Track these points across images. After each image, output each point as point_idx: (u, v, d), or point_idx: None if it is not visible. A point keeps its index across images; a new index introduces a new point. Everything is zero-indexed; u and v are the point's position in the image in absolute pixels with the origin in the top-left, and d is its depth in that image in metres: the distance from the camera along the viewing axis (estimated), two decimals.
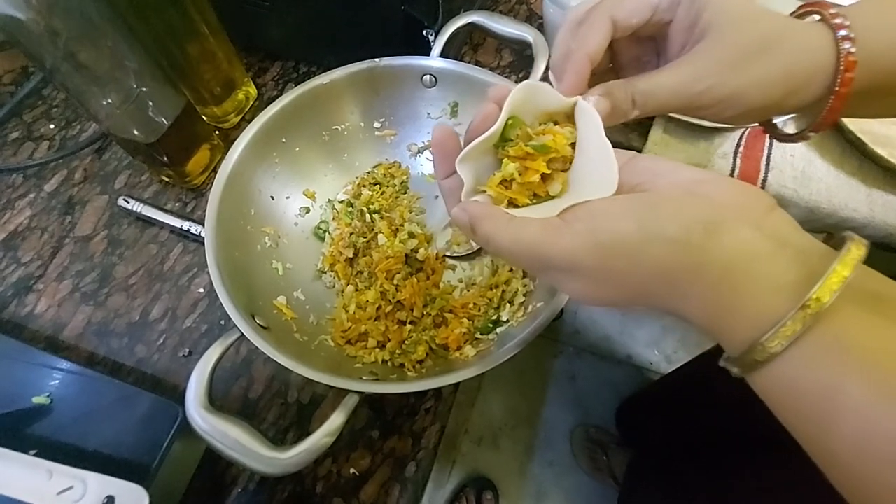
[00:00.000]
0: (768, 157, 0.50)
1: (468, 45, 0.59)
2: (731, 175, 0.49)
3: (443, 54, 0.46)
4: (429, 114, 0.48)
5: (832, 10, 0.24)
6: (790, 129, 0.29)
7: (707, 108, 0.25)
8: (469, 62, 0.57)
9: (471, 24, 0.46)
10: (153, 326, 0.44)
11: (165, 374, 0.43)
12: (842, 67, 0.23)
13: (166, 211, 0.48)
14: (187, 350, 0.43)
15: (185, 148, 0.48)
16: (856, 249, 0.19)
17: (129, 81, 0.42)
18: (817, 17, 0.25)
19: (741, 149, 0.50)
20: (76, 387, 0.36)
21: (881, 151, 0.47)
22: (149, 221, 0.48)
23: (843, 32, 0.23)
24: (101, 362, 0.43)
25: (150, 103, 0.44)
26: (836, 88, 0.24)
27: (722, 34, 0.24)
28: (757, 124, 0.31)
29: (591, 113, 0.24)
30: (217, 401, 0.41)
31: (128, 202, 0.48)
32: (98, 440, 0.34)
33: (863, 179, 0.48)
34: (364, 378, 0.35)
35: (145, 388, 0.41)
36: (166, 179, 0.50)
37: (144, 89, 0.43)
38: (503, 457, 1.10)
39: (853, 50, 0.23)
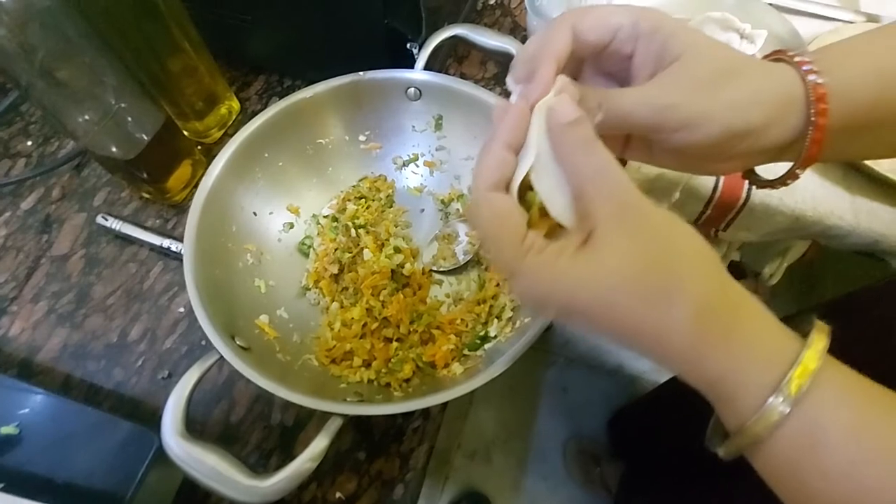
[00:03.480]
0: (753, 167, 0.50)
1: (453, 58, 0.58)
2: (716, 185, 0.49)
3: (427, 67, 0.45)
4: (413, 127, 0.48)
5: (791, 53, 0.25)
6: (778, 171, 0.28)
7: (674, 129, 0.24)
8: (454, 74, 0.57)
9: (454, 36, 0.46)
10: (132, 348, 0.43)
11: (144, 398, 0.41)
12: (812, 98, 0.24)
13: (146, 228, 0.47)
14: (167, 372, 0.42)
15: (165, 164, 0.47)
16: (819, 341, 0.21)
17: (107, 98, 0.41)
18: (782, 63, 0.25)
19: None
20: (48, 415, 0.35)
21: (865, 160, 0.47)
22: (128, 239, 0.47)
23: (807, 67, 0.24)
24: (77, 387, 0.42)
25: (129, 119, 0.43)
26: (813, 119, 0.24)
27: (690, 59, 0.24)
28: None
29: (541, 119, 0.24)
30: (198, 424, 0.40)
31: (106, 220, 0.47)
32: (70, 471, 0.33)
33: (847, 187, 0.49)
34: (348, 399, 0.34)
35: (122, 413, 0.40)
36: (147, 196, 0.49)
37: (123, 105, 0.42)
38: (496, 471, 1.08)
39: (820, 81, 0.24)
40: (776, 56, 0.26)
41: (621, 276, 0.21)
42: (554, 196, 0.24)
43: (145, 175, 0.46)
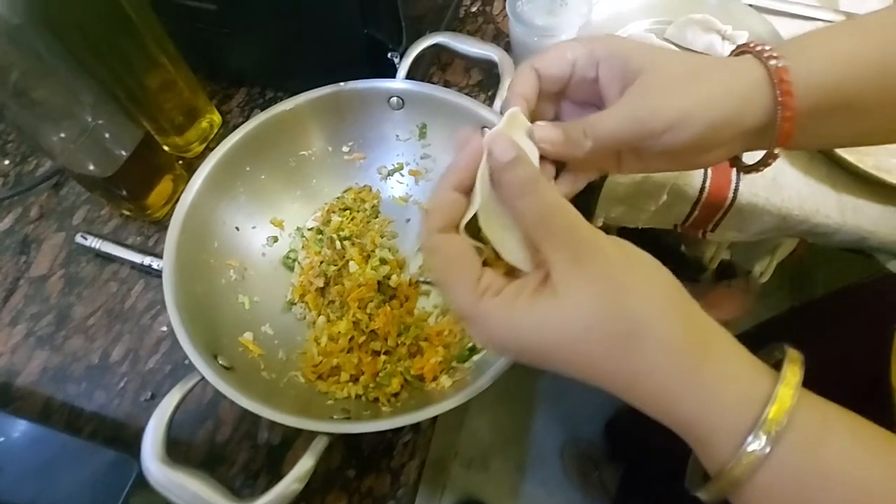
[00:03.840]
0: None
1: (436, 66, 0.58)
2: (703, 186, 0.49)
3: (410, 75, 0.45)
4: (397, 136, 0.47)
5: (753, 44, 0.26)
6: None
7: (660, 132, 0.25)
8: (438, 82, 0.57)
9: (436, 45, 0.46)
10: (113, 369, 0.42)
11: (127, 420, 0.40)
12: (776, 80, 0.24)
13: (127, 246, 0.46)
14: (150, 393, 0.41)
15: (145, 180, 0.46)
16: (792, 374, 0.20)
17: (83, 115, 0.41)
18: (746, 55, 0.26)
19: None
20: (26, 443, 0.34)
21: (849, 157, 0.47)
22: (108, 258, 0.46)
23: (768, 54, 0.25)
24: (57, 411, 0.40)
25: (107, 135, 0.42)
26: (780, 98, 0.24)
27: (655, 69, 0.25)
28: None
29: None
30: (183, 446, 0.39)
31: (85, 239, 0.46)
32: (49, 500, 0.32)
33: (832, 185, 0.49)
34: (335, 417, 0.34)
35: (104, 437, 0.39)
36: (127, 213, 0.48)
37: (100, 122, 0.41)
38: (494, 477, 1.08)
39: (781, 64, 0.24)
40: (741, 50, 0.27)
41: (582, 320, 0.21)
42: (503, 238, 0.24)
43: (124, 192, 0.45)
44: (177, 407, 0.31)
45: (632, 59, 0.26)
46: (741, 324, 1.10)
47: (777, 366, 0.21)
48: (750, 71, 0.25)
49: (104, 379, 0.42)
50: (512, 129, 0.25)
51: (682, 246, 0.89)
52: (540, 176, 0.23)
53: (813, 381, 0.24)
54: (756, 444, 0.19)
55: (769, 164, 0.28)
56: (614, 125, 0.25)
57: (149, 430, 0.30)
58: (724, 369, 0.21)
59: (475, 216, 0.24)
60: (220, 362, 0.34)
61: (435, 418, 0.37)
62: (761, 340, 0.68)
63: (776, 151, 0.27)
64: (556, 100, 0.30)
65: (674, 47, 0.54)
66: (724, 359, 0.21)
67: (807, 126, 0.25)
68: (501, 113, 0.26)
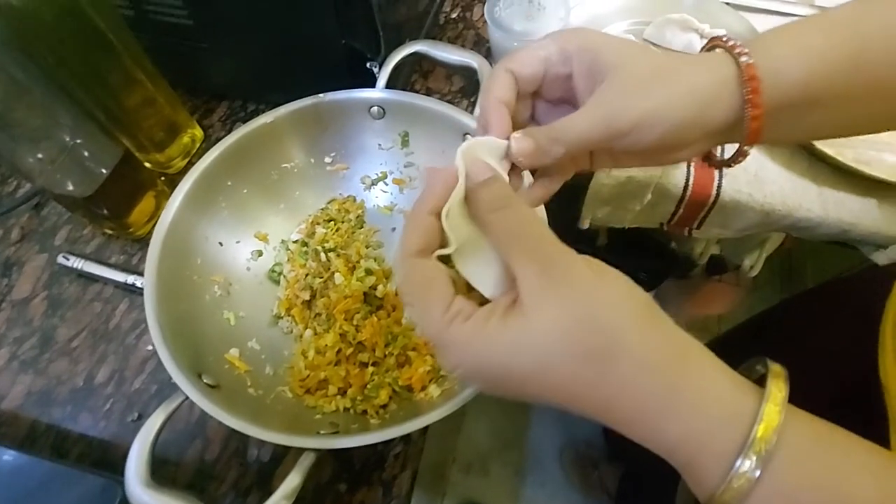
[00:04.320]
0: None
1: (418, 73, 0.58)
2: (687, 184, 0.50)
3: (391, 84, 0.45)
4: (380, 145, 0.47)
5: (726, 38, 0.26)
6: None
7: (627, 133, 0.25)
8: (420, 89, 0.57)
9: (415, 53, 0.46)
10: (99, 391, 0.41)
11: (114, 441, 0.40)
12: (745, 77, 0.24)
13: (110, 265, 0.45)
14: (136, 414, 0.40)
15: (126, 199, 0.46)
16: (777, 390, 0.19)
17: (61, 135, 0.40)
18: (719, 49, 0.26)
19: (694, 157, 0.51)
20: (8, 472, 0.33)
21: (828, 150, 0.48)
22: (92, 278, 0.46)
23: (739, 50, 0.25)
24: (42, 435, 0.40)
25: (86, 154, 0.42)
26: (749, 98, 0.24)
27: (621, 70, 0.25)
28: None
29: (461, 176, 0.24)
30: (171, 466, 0.38)
31: (68, 259, 0.45)
32: None
33: (813, 179, 0.49)
34: (322, 432, 0.33)
35: (91, 460, 0.39)
36: (109, 232, 0.48)
37: (78, 141, 0.41)
38: (494, 482, 1.07)
39: (751, 61, 0.24)
40: (712, 44, 0.27)
41: (554, 339, 0.20)
42: (472, 267, 0.24)
43: (106, 211, 0.44)
44: (160, 429, 0.31)
45: (600, 56, 0.25)
46: (734, 317, 1.11)
47: (760, 381, 0.20)
48: (719, 68, 0.25)
49: (90, 401, 0.41)
50: (478, 147, 0.25)
51: (672, 243, 0.89)
52: (513, 193, 0.23)
53: (804, 375, 0.23)
54: (746, 467, 0.18)
55: (740, 161, 0.28)
56: (582, 130, 0.25)
57: (132, 454, 0.29)
58: (705, 387, 0.20)
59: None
60: (205, 381, 0.34)
61: (426, 428, 0.37)
62: (754, 334, 0.68)
63: (746, 149, 0.27)
64: (530, 99, 0.29)
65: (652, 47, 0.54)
66: (703, 376, 0.20)
67: (777, 121, 0.25)
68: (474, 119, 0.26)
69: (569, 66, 0.27)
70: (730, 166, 0.29)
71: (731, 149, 0.29)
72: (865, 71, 0.25)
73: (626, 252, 0.93)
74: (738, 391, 0.20)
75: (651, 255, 0.93)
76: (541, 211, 0.34)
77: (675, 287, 1.28)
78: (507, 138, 0.26)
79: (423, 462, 0.40)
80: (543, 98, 0.29)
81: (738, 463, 0.18)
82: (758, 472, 0.18)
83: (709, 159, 0.31)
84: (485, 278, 0.24)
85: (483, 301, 0.24)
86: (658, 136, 0.25)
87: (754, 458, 0.18)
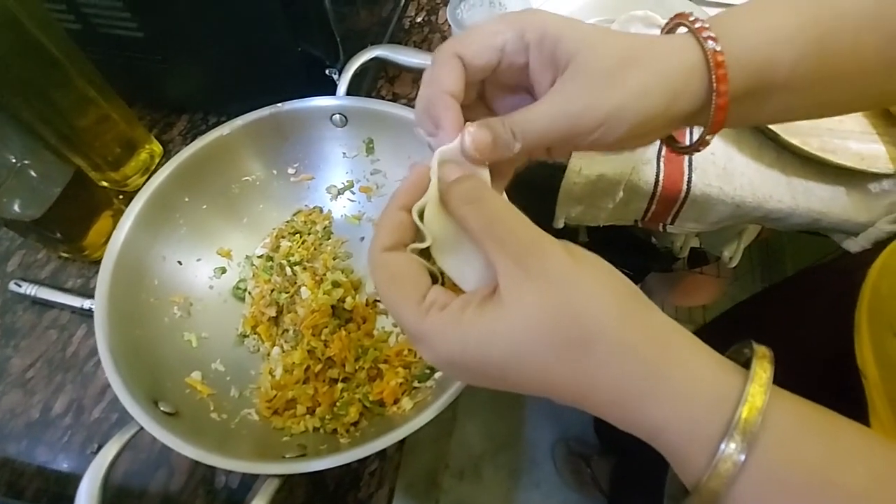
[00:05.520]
0: (690, 159, 0.50)
1: (384, 78, 0.57)
2: (657, 180, 0.49)
3: (355, 90, 0.44)
4: (344, 153, 0.46)
5: (692, 18, 0.25)
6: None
7: (594, 129, 0.24)
8: (386, 94, 0.56)
9: (375, 58, 0.45)
10: (56, 423, 0.39)
11: (73, 475, 0.38)
12: (712, 64, 0.23)
13: (66, 290, 0.43)
14: (96, 445, 0.38)
15: (80, 220, 0.44)
16: (762, 371, 0.19)
17: (7, 156, 0.39)
18: (683, 29, 0.25)
19: (663, 153, 0.50)
20: None
21: (794, 140, 0.47)
22: (47, 304, 0.44)
23: (706, 34, 0.24)
24: None
25: (34, 174, 0.40)
26: (715, 86, 0.24)
27: (585, 59, 0.23)
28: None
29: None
30: (133, 499, 0.37)
31: (20, 286, 0.43)
32: None
33: (782, 169, 0.49)
34: (288, 456, 0.32)
35: (48, 497, 0.37)
36: (65, 256, 0.46)
37: (26, 161, 0.39)
38: (487, 486, 1.06)
39: (718, 48, 0.23)
40: (677, 21, 0.26)
41: (530, 327, 0.19)
42: (453, 263, 0.23)
43: (59, 234, 0.43)
44: (113, 461, 0.29)
45: (562, 44, 0.24)
46: (719, 307, 1.11)
47: (747, 364, 0.20)
48: (687, 54, 0.24)
49: (47, 434, 0.39)
50: (451, 152, 0.24)
51: (653, 238, 0.89)
52: (485, 184, 0.22)
53: (786, 363, 0.23)
54: (730, 450, 0.18)
55: (701, 149, 0.27)
56: (545, 126, 0.24)
57: (81, 491, 0.28)
58: (689, 370, 0.19)
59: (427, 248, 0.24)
60: (162, 408, 0.32)
61: (402, 442, 0.36)
62: (737, 323, 0.68)
63: (708, 138, 0.26)
64: (480, 85, 0.27)
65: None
66: (687, 360, 0.20)
67: (740, 106, 0.25)
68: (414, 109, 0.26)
69: (525, 55, 0.25)
70: (690, 153, 0.29)
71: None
72: (830, 54, 0.24)
73: (608, 248, 0.92)
74: (723, 374, 0.19)
75: (633, 251, 0.94)
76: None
77: (659, 281, 1.28)
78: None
79: (414, 470, 0.39)
80: (496, 83, 0.27)
81: (723, 446, 0.18)
82: (743, 456, 0.18)
83: (670, 144, 0.30)
84: (466, 273, 0.23)
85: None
86: (625, 132, 0.24)
87: (739, 440, 0.18)
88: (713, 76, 0.23)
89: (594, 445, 1.06)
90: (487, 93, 0.28)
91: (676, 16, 0.26)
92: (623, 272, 0.22)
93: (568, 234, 0.70)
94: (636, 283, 0.21)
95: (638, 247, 0.92)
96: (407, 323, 0.22)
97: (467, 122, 0.24)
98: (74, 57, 0.42)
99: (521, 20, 0.24)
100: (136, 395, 0.31)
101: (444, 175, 0.23)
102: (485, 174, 0.26)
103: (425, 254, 0.24)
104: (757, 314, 0.62)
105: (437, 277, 0.24)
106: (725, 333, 0.65)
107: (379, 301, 0.43)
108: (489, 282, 0.22)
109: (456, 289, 0.24)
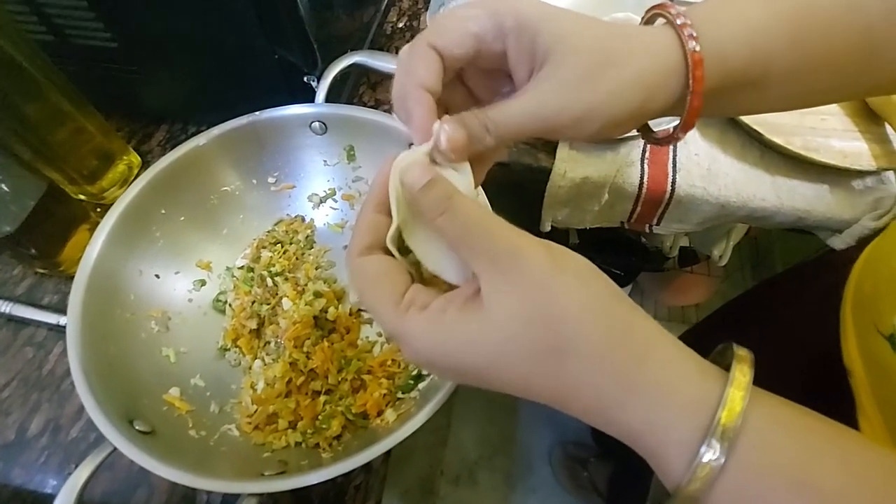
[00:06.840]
0: (674, 160, 0.50)
1: (366, 84, 0.57)
2: (642, 181, 0.49)
3: (336, 97, 0.44)
4: (325, 161, 0.46)
5: (674, 11, 0.24)
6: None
7: (567, 127, 0.24)
8: (369, 101, 0.56)
9: (354, 64, 0.44)
10: (32, 444, 0.38)
11: (52, 496, 0.37)
12: (690, 65, 0.23)
13: (42, 307, 0.42)
14: (74, 466, 0.37)
15: (55, 235, 0.43)
16: (742, 374, 0.19)
17: None
18: (662, 20, 0.25)
19: (647, 155, 0.50)
20: None
21: (777, 140, 0.47)
22: (22, 322, 0.43)
23: (687, 31, 0.23)
24: None
25: (5, 189, 0.39)
26: (691, 87, 0.23)
27: (563, 56, 0.23)
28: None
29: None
30: None
31: None
32: None
33: (766, 169, 0.49)
34: (267, 473, 0.31)
35: None
36: (42, 271, 0.45)
37: None
38: (483, 491, 1.05)
39: (697, 48, 0.23)
40: (657, 11, 0.25)
41: (508, 336, 0.19)
42: (429, 253, 0.23)
43: (33, 250, 0.42)
44: (86, 484, 0.28)
45: (540, 38, 0.23)
46: (711, 305, 1.11)
47: (729, 367, 0.20)
48: (667, 52, 0.24)
49: (22, 455, 0.38)
50: (412, 155, 0.24)
51: (643, 238, 0.89)
52: (455, 191, 0.22)
53: (776, 360, 0.23)
54: (710, 454, 0.18)
55: (673, 143, 0.27)
56: (519, 123, 0.24)
57: None
58: (667, 375, 0.19)
59: (401, 235, 0.23)
60: (138, 427, 0.31)
61: (388, 454, 0.35)
62: (726, 322, 0.68)
63: (680, 135, 0.26)
64: (457, 70, 0.26)
65: None
66: (665, 364, 0.20)
67: (714, 99, 0.24)
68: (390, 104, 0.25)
69: (503, 43, 0.24)
70: (662, 145, 0.28)
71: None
72: (803, 47, 0.24)
73: (598, 250, 0.93)
74: (702, 379, 0.19)
75: (623, 252, 0.93)
76: (481, 195, 0.33)
77: (651, 280, 1.28)
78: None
79: (409, 477, 0.38)
80: (473, 65, 0.26)
81: (702, 450, 0.18)
82: (722, 460, 0.17)
83: (645, 134, 0.30)
84: (447, 266, 0.23)
85: (449, 288, 0.23)
86: (598, 128, 0.24)
87: (718, 445, 0.17)
88: (690, 77, 0.23)
89: (591, 449, 1.05)
90: (466, 74, 0.27)
91: (657, 6, 0.25)
92: (614, 272, 0.21)
93: (558, 235, 0.70)
94: (627, 283, 0.21)
95: (628, 247, 0.92)
96: (387, 323, 0.22)
97: (443, 118, 0.23)
98: (46, 68, 0.41)
99: (497, 6, 0.23)
100: (110, 415, 0.30)
101: (411, 181, 0.22)
102: (464, 166, 0.25)
103: (408, 251, 0.23)
104: (747, 313, 0.61)
105: (415, 278, 0.24)
106: (716, 332, 0.64)
107: (363, 310, 0.43)
108: (469, 275, 0.22)
109: (436, 282, 0.23)
